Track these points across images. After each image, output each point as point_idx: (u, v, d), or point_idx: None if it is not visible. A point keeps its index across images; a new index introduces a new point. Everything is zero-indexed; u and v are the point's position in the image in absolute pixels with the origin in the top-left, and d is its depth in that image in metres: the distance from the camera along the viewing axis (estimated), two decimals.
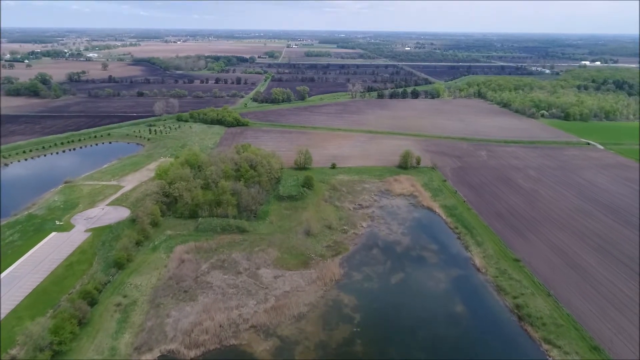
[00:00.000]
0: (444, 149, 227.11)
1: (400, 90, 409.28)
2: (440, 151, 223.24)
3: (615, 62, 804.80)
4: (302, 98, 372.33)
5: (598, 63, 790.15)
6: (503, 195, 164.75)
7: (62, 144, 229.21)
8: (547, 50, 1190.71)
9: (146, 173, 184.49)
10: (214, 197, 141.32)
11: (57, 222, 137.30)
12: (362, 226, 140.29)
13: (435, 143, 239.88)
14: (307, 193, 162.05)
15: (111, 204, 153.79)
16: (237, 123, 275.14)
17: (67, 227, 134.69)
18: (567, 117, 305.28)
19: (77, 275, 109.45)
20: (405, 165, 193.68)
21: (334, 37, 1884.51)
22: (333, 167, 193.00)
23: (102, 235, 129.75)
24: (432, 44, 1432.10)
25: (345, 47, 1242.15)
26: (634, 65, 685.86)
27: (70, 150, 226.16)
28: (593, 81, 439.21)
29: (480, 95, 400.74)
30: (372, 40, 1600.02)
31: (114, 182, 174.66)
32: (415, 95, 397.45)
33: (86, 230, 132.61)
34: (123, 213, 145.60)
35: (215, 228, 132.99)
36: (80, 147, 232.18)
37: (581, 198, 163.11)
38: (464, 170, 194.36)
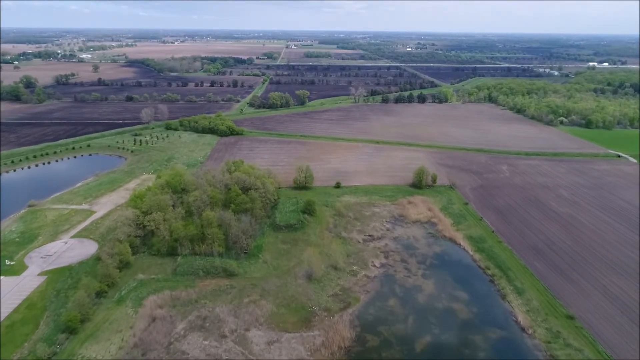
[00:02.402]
0: (460, 163, 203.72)
1: (405, 94, 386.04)
2: (456, 165, 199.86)
3: (624, 63, 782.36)
4: (302, 103, 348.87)
5: (606, 64, 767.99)
6: (536, 223, 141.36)
7: (34, 157, 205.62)
8: (551, 51, 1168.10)
9: (124, 194, 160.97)
10: (197, 231, 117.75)
11: (8, 262, 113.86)
12: (374, 265, 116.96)
13: (449, 155, 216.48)
14: (309, 221, 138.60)
15: (77, 235, 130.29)
16: (231, 132, 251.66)
17: (18, 269, 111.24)
18: (588, 124, 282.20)
19: (17, 342, 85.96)
20: (419, 184, 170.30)
21: (334, 38, 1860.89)
22: (337, 186, 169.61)
23: (59, 280, 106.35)
24: (433, 44, 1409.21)
25: (346, 48, 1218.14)
26: None
27: (43, 164, 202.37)
28: (609, 84, 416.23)
29: (490, 99, 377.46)
30: (372, 41, 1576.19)
31: (84, 206, 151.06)
32: (422, 99, 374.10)
33: (40, 274, 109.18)
34: (89, 248, 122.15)
35: (197, 271, 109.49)
36: (56, 160, 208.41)
37: (627, 226, 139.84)
38: (486, 189, 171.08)
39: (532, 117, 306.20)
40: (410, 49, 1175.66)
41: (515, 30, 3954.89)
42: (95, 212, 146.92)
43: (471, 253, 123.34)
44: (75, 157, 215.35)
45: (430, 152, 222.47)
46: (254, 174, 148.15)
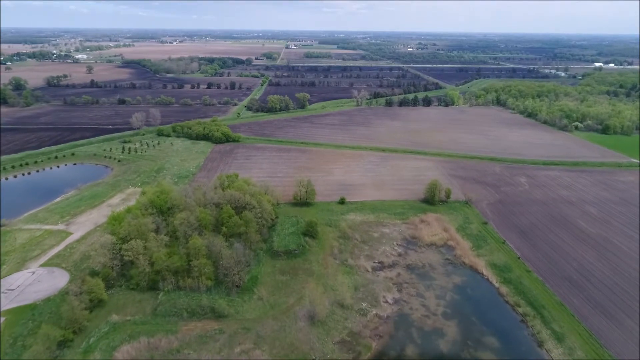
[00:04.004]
0: (474, 174, 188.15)
1: (410, 96, 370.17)
2: (470, 177, 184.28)
3: (630, 63, 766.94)
4: (302, 106, 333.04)
5: (612, 65, 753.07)
6: (566, 246, 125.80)
7: (13, 167, 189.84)
8: (554, 51, 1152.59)
9: (106, 211, 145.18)
10: (182, 262, 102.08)
11: None
12: (386, 301, 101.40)
13: (461, 165, 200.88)
14: (310, 245, 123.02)
15: (47, 263, 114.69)
16: (227, 139, 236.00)
17: None
18: (605, 129, 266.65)
19: None
20: (432, 199, 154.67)
21: (334, 38, 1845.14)
22: (342, 202, 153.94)
23: (19, 323, 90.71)
24: (434, 44, 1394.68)
25: (346, 48, 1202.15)
26: None
27: (23, 175, 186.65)
28: (620, 86, 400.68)
29: (499, 102, 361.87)
30: (373, 41, 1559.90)
31: (60, 227, 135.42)
32: (427, 102, 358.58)
33: None
34: (59, 280, 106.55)
35: (180, 311, 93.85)
36: (37, 171, 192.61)
37: None
38: (505, 205, 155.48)
39: (545, 122, 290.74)
40: (411, 49, 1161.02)
41: (515, 30, 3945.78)
42: (71, 233, 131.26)
43: (497, 285, 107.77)
44: (58, 166, 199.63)
45: (440, 161, 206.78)
46: (249, 191, 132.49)
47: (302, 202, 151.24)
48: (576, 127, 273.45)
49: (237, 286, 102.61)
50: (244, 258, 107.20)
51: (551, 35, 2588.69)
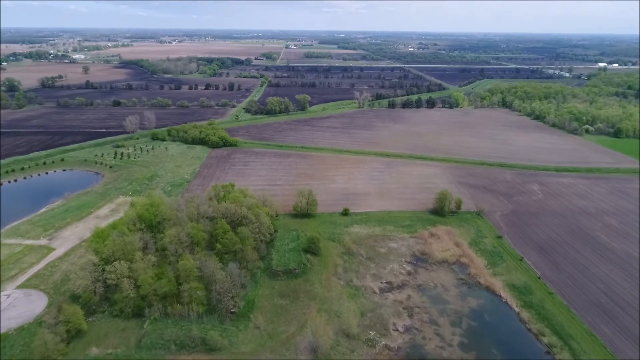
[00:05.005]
0: (484, 182, 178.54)
1: (413, 98, 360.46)
2: (479, 185, 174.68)
3: (635, 64, 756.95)
4: (303, 108, 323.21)
5: (616, 65, 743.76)
6: (589, 265, 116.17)
7: None
8: (556, 51, 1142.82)
9: (93, 223, 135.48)
10: (171, 286, 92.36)
11: None
12: (396, 329, 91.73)
13: (469, 172, 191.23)
14: (312, 263, 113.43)
15: (25, 284, 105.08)
16: (224, 143, 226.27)
17: None
18: (617, 133, 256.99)
19: None
20: (441, 210, 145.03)
21: (334, 38, 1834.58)
22: (345, 213, 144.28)
23: None
24: (435, 44, 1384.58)
25: (346, 48, 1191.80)
26: None
27: (9, 182, 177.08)
28: (629, 87, 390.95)
29: (505, 104, 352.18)
30: (373, 41, 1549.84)
31: (42, 241, 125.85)
32: (431, 104, 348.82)
33: None
34: (36, 305, 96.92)
35: (167, 344, 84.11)
36: (24, 178, 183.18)
37: None
38: (519, 216, 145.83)
39: (553, 125, 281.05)
40: (412, 49, 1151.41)
41: (515, 30, 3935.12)
42: (54, 249, 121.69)
43: (517, 310, 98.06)
44: (47, 173, 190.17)
45: (448, 167, 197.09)
46: (246, 203, 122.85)
47: (303, 213, 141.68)
48: (586, 131, 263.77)
49: (231, 312, 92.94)
50: (240, 279, 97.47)
51: (552, 35, 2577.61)
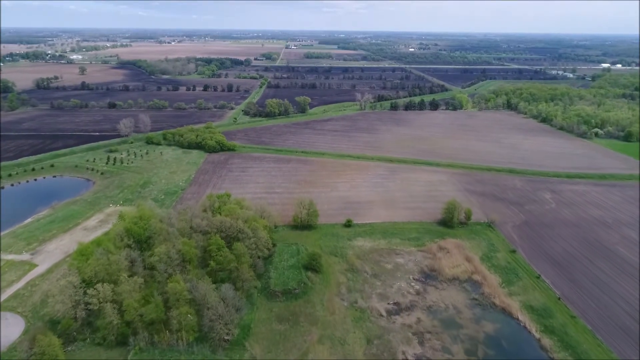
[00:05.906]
0: (493, 189, 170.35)
1: (416, 99, 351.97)
2: (488, 193, 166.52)
3: (638, 65, 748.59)
4: (303, 110, 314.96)
5: (619, 65, 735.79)
6: (611, 283, 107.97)
7: None
8: (558, 51, 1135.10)
9: (80, 236, 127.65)
10: (159, 312, 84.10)
11: None
12: (406, 359, 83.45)
13: (477, 178, 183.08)
14: (313, 282, 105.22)
15: (2, 306, 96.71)
16: (221, 147, 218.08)
17: None
18: (627, 137, 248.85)
19: None
20: (450, 221, 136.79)
21: (334, 38, 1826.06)
22: (348, 224, 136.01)
23: None
24: (436, 44, 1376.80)
25: (347, 48, 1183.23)
26: None
27: None
28: (636, 89, 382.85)
29: (510, 106, 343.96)
30: (373, 41, 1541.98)
31: (25, 256, 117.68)
32: (434, 106, 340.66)
33: None
34: (12, 331, 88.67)
35: None
36: (12, 185, 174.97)
37: None
38: (533, 228, 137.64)
39: (561, 128, 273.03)
40: (413, 50, 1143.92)
41: (515, 30, 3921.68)
42: (36, 265, 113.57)
43: (537, 336, 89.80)
44: (35, 179, 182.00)
45: (454, 173, 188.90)
46: (243, 216, 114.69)
47: (303, 225, 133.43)
48: (596, 134, 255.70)
49: (225, 340, 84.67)
50: (234, 301, 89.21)
51: (552, 35, 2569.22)
